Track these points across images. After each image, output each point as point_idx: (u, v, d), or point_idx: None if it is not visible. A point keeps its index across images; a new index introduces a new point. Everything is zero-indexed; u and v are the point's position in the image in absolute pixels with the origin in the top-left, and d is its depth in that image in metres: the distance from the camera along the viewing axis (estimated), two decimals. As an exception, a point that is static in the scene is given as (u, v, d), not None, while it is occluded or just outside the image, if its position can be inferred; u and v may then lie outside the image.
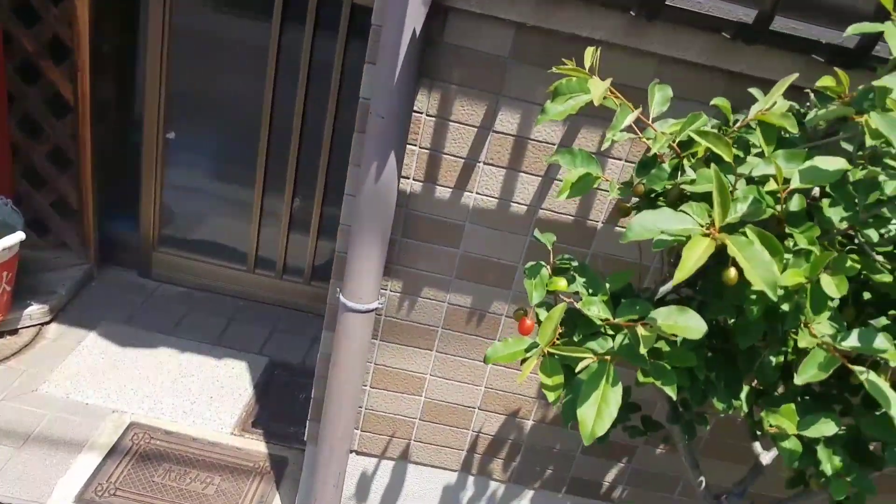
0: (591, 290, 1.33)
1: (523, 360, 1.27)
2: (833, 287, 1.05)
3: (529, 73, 1.81)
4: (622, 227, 1.95)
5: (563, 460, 2.26)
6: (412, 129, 1.90)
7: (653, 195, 1.27)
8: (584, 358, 1.12)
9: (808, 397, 1.47)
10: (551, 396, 1.18)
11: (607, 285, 1.27)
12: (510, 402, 2.19)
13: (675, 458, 2.23)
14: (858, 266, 1.08)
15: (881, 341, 1.10)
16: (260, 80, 3.09)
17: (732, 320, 1.27)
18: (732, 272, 1.15)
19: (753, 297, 1.13)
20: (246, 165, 3.30)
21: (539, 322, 1.32)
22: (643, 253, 1.97)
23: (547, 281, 1.29)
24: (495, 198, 1.96)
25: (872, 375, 1.03)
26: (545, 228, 1.97)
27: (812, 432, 1.35)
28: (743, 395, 1.43)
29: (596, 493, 2.32)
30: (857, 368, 1.05)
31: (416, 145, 1.92)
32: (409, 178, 1.96)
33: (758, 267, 0.92)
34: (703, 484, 1.62)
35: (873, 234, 1.12)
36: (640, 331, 1.09)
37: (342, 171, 3.44)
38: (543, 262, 1.36)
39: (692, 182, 1.15)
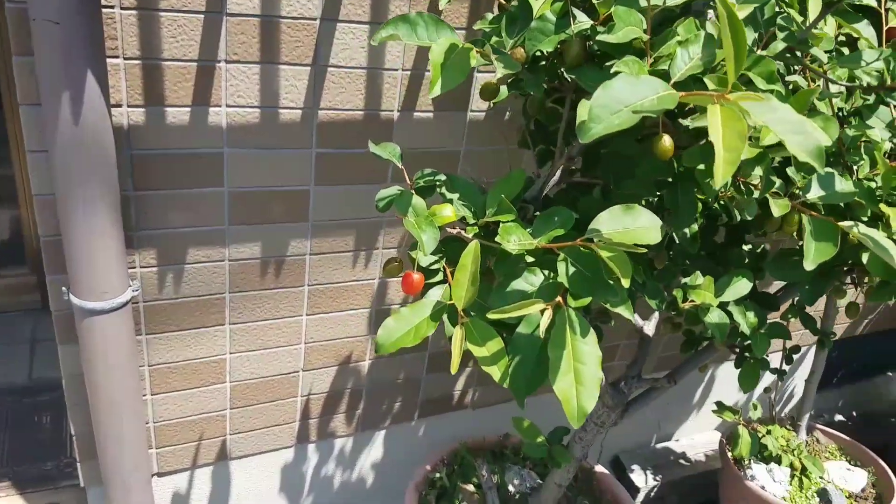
0: (473, 209, 0.96)
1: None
2: (821, 132, 0.81)
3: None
4: (424, 111, 1.57)
5: (410, 388, 1.97)
6: (108, 35, 1.27)
7: (538, 59, 0.90)
8: (530, 312, 0.78)
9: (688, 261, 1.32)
10: (496, 373, 0.82)
11: (501, 196, 0.91)
12: (339, 350, 1.80)
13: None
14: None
15: (841, 184, 0.92)
16: None
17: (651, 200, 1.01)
18: (667, 141, 0.87)
19: (703, 168, 0.86)
20: None
21: (426, 272, 0.93)
22: (467, 137, 1.64)
23: (432, 214, 0.89)
24: (255, 106, 1.44)
25: (863, 228, 0.85)
26: (332, 133, 1.52)
27: (730, 296, 1.20)
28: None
29: (448, 406, 2.09)
30: (844, 224, 0.85)
31: (119, 56, 1.30)
32: (122, 107, 1.35)
33: (793, 132, 0.63)
34: (603, 380, 1.44)
35: (821, 54, 0.89)
36: (603, 254, 0.76)
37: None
38: (402, 188, 0.95)
39: (609, 29, 0.80)
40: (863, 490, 2.09)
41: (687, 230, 1.12)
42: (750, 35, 0.94)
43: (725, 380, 2.62)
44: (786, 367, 2.05)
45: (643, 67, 0.76)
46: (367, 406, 1.93)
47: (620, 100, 0.65)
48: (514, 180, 0.95)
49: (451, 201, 0.94)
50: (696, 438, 2.64)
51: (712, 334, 1.26)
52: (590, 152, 1.07)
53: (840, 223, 0.86)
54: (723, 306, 1.21)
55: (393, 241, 1.71)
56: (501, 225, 0.85)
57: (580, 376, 0.76)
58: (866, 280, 1.24)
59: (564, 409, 0.76)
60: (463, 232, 0.93)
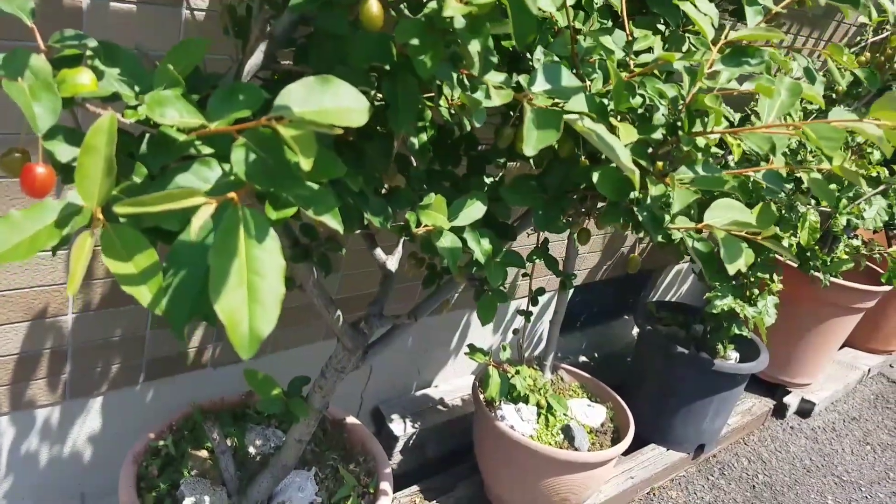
0: (138, 87, 0.76)
1: (58, 247, 0.68)
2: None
3: None
4: (124, 1, 1.30)
5: (130, 346, 1.69)
6: None
7: None
8: (188, 206, 0.60)
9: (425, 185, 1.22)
10: (145, 295, 0.64)
11: (168, 67, 0.72)
12: (28, 301, 1.48)
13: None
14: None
15: (569, 79, 0.85)
16: None
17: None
18: (375, 7, 0.74)
19: (418, 43, 0.73)
20: None
21: (67, 171, 0.71)
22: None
23: (61, 81, 0.67)
24: None
25: (588, 122, 0.78)
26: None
27: (464, 219, 1.12)
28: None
29: (182, 366, 1.84)
30: (569, 117, 0.78)
31: None
32: None
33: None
34: (341, 318, 1.30)
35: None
36: (286, 132, 0.61)
37: None
38: (27, 50, 0.71)
39: None
40: (602, 424, 2.21)
41: (416, 140, 1.00)
42: None
43: (480, 325, 2.65)
44: (533, 309, 2.09)
45: None
46: (74, 370, 1.63)
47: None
48: (192, 48, 0.76)
49: (101, 74, 0.73)
50: (455, 383, 2.65)
51: (448, 263, 1.18)
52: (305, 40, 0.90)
53: (564, 115, 0.79)
54: (457, 232, 1.13)
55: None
56: (152, 94, 0.66)
57: (255, 292, 0.61)
58: (599, 205, 1.23)
59: (230, 335, 0.59)
60: (121, 118, 0.72)
